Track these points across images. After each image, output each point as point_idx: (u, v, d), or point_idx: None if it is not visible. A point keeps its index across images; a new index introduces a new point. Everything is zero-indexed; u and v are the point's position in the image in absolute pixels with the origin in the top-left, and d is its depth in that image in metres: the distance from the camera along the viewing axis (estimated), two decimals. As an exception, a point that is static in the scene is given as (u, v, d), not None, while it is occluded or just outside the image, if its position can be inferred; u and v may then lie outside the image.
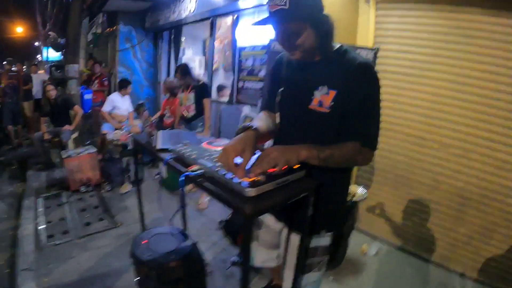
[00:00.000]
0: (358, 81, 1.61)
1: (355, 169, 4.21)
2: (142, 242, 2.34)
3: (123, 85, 6.94)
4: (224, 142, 2.00)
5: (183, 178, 1.60)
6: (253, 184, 1.41)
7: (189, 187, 5.07)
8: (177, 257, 2.19)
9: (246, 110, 5.57)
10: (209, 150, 1.86)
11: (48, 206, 5.17)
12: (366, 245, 4.05)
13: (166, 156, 1.90)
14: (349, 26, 4.11)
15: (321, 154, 1.57)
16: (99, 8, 9.42)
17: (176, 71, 5.53)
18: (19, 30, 34.66)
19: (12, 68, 9.89)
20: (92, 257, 3.85)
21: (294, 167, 1.59)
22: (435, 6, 3.65)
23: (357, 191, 3.34)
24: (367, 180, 4.35)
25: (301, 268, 1.93)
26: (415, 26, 3.83)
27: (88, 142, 7.48)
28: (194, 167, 1.65)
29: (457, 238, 3.71)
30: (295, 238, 1.90)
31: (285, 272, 2.07)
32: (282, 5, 1.49)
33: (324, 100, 1.67)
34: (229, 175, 1.47)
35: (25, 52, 36.32)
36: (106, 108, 6.77)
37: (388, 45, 4.03)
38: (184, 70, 5.37)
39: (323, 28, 1.63)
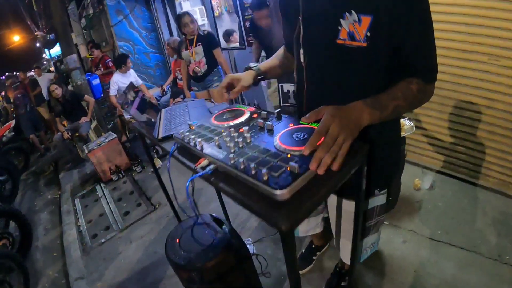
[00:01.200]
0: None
1: None
2: (176, 242, 1.99)
3: (121, 61, 6.44)
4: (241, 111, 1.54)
5: (188, 185, 1.19)
6: (284, 180, 0.95)
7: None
8: (215, 253, 1.83)
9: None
10: (219, 128, 1.41)
11: (86, 205, 5.18)
12: (418, 179, 3.65)
13: (171, 146, 1.46)
14: None
15: (384, 112, 1.17)
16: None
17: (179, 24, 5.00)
18: (16, 38, 34.86)
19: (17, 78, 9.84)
20: (139, 248, 3.84)
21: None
22: None
23: (405, 124, 3.00)
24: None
25: (359, 235, 1.64)
26: None
27: (109, 126, 7.27)
28: (203, 162, 1.21)
29: (516, 162, 3.28)
30: (349, 205, 1.64)
31: (341, 241, 1.91)
32: None
33: (356, 30, 1.19)
34: (251, 171, 1.00)
35: (30, 57, 36.65)
36: (112, 92, 6.33)
37: None
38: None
39: None
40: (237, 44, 6.16)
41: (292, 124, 1.27)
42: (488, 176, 3.51)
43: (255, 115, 1.47)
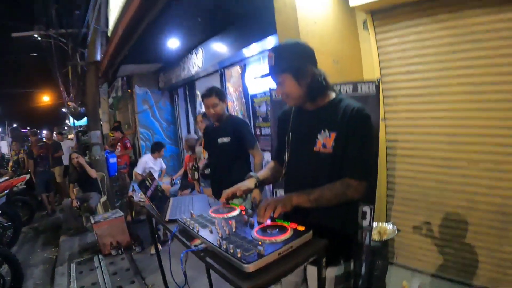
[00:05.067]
0: (350, 124, 1.90)
1: (383, 205, 4.07)
2: None
3: (156, 148, 7.21)
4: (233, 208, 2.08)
5: (183, 255, 1.66)
6: (250, 258, 1.43)
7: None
8: None
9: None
10: (215, 218, 1.93)
11: (80, 271, 5.32)
12: (406, 281, 3.74)
13: (173, 228, 1.98)
14: (353, 58, 4.10)
15: (311, 196, 1.84)
16: (113, 75, 9.85)
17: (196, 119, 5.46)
18: (46, 99, 36.44)
19: (42, 137, 10.33)
20: None
21: (299, 229, 1.66)
22: (433, 17, 3.50)
23: (387, 229, 3.33)
24: (399, 213, 4.10)
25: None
26: (418, 43, 3.66)
27: (117, 204, 7.65)
28: (197, 241, 1.71)
29: (504, 257, 3.39)
30: (312, 270, 1.94)
31: None
32: (271, 63, 1.97)
33: (326, 142, 1.96)
34: (229, 250, 1.50)
35: (53, 119, 37.96)
36: (138, 169, 7.03)
37: (395, 68, 3.89)
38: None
39: (305, 79, 1.96)
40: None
41: (268, 222, 1.79)
42: (477, 274, 3.57)
43: (243, 212, 1.99)
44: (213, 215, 1.99)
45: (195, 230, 1.78)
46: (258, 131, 6.31)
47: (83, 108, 10.89)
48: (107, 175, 8.03)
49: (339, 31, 3.92)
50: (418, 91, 3.70)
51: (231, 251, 1.49)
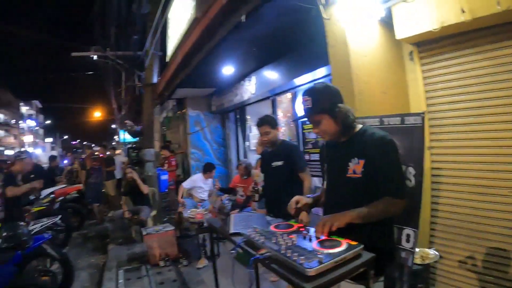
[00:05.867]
0: (378, 150, 2.20)
1: (427, 230, 4.09)
2: None
3: (207, 169, 7.54)
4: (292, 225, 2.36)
5: (252, 261, 1.96)
6: (312, 264, 1.70)
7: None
8: None
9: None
10: (276, 233, 2.19)
11: (128, 278, 5.63)
12: None
13: (238, 240, 2.26)
14: (400, 88, 4.21)
15: (361, 214, 2.11)
16: (168, 97, 10.36)
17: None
18: (97, 114, 38.14)
19: (95, 152, 10.91)
20: None
21: (352, 243, 1.92)
22: (475, 49, 3.58)
23: (429, 253, 3.44)
24: (442, 239, 4.06)
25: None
26: (461, 73, 3.74)
27: (165, 219, 7.99)
28: (262, 251, 1.98)
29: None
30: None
31: None
32: (308, 105, 2.29)
33: (356, 168, 2.26)
34: (293, 257, 1.78)
35: (102, 134, 39.61)
36: (186, 185, 7.44)
37: (440, 98, 3.97)
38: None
39: (340, 116, 2.27)
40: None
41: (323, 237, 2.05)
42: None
43: (301, 229, 2.26)
44: (275, 230, 2.28)
45: (261, 241, 2.07)
46: (307, 157, 6.46)
47: (139, 126, 11.43)
48: (158, 191, 8.45)
49: (386, 62, 4.12)
50: (461, 121, 3.78)
51: (295, 258, 1.77)
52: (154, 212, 7.54)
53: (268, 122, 4.12)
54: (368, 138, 2.28)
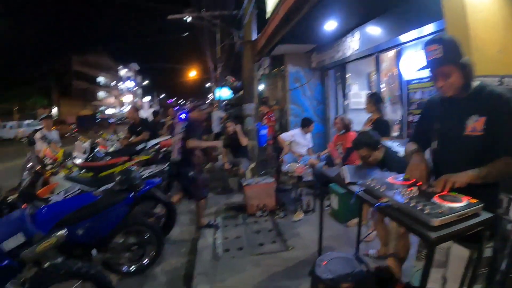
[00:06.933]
0: (500, 108, 2.11)
1: None
2: (322, 263, 2.72)
3: (305, 123, 7.60)
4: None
5: (376, 207, 1.96)
6: (436, 215, 1.69)
7: (354, 222, 5.25)
8: (352, 280, 2.53)
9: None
10: (395, 184, 2.17)
11: (226, 225, 5.93)
12: None
13: (355, 188, 2.27)
14: None
15: (481, 173, 2.06)
16: (268, 53, 10.39)
17: (367, 101, 5.54)
18: (193, 74, 39.83)
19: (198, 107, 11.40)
20: (264, 274, 4.24)
21: (472, 201, 1.87)
22: None
23: None
24: None
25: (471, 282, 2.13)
26: None
27: (262, 172, 8.21)
28: (384, 199, 1.98)
29: None
30: (463, 252, 2.12)
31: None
32: (437, 54, 2.14)
33: (477, 125, 2.17)
34: (418, 207, 1.77)
35: (197, 92, 41.39)
36: (284, 137, 7.58)
37: None
38: (377, 99, 5.46)
39: (467, 70, 2.18)
40: (397, 134, 6.69)
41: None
42: None
43: (418, 183, 2.18)
44: (393, 182, 2.24)
45: (381, 191, 2.06)
46: (411, 118, 6.30)
47: (240, 83, 11.70)
48: (257, 145, 8.68)
49: (504, 20, 3.75)
50: None
51: (420, 208, 1.76)
52: (252, 165, 7.77)
53: (365, 144, 3.61)
54: (487, 95, 2.18)
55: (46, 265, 3.02)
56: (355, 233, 4.01)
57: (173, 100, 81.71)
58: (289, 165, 6.65)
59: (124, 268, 4.47)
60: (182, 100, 72.24)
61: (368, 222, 4.86)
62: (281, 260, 4.57)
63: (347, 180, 2.55)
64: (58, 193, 5.14)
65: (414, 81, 6.26)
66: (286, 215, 6.13)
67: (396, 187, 2.12)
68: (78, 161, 7.27)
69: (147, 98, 76.34)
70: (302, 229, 5.52)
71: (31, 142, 8.53)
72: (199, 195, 5.75)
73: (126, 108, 59.55)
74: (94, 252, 4.11)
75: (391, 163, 3.55)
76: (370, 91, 7.87)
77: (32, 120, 31.33)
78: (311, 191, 6.54)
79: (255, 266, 4.45)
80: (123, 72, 69.71)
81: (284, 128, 10.45)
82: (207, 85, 40.57)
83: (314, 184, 6.46)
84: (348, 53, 7.88)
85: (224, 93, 17.37)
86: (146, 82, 78.45)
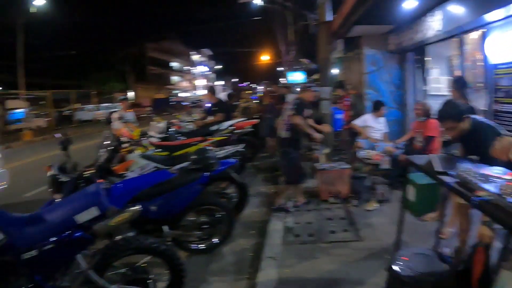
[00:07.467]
0: None
1: None
2: (402, 258, 2.55)
3: (376, 107, 7.35)
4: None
5: (476, 201, 1.78)
6: None
7: (430, 216, 4.97)
8: (435, 279, 2.34)
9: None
10: (492, 177, 1.98)
11: (297, 210, 5.90)
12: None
13: (447, 179, 2.10)
14: None
15: None
16: (343, 35, 10.08)
17: (452, 85, 5.28)
18: (265, 58, 40.68)
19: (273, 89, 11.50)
20: (333, 263, 4.20)
21: None
22: None
23: None
24: None
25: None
26: None
27: (335, 158, 8.08)
28: (481, 193, 1.81)
29: None
30: None
31: None
32: None
33: None
34: None
35: (269, 76, 42.19)
36: (357, 122, 7.40)
37: None
38: (462, 84, 5.20)
39: None
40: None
41: None
42: None
43: None
44: (489, 173, 2.05)
45: (476, 183, 1.89)
46: (497, 107, 5.85)
47: (315, 65, 11.52)
48: (332, 129, 8.47)
49: None
50: None
51: None
52: (327, 150, 7.62)
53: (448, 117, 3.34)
54: None
55: (117, 238, 3.17)
56: (429, 227, 3.83)
57: (246, 84, 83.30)
58: (366, 151, 6.46)
59: (194, 246, 4.64)
60: (253, 83, 73.79)
61: (445, 217, 4.57)
62: (352, 250, 4.51)
63: (437, 169, 2.35)
64: (133, 170, 5.34)
65: (502, 66, 5.76)
66: (360, 204, 6.01)
67: (494, 180, 1.93)
68: (154, 140, 7.51)
69: (220, 82, 78.21)
70: (376, 220, 5.39)
71: (109, 122, 9.06)
72: (293, 179, 5.88)
73: (199, 92, 62.00)
74: (165, 228, 4.24)
75: (479, 134, 3.19)
76: (454, 76, 7.40)
77: (109, 104, 33.45)
78: (385, 180, 6.30)
79: (324, 254, 4.42)
80: (196, 57, 71.88)
81: (360, 114, 10.15)
82: (279, 68, 40.89)
83: (390, 173, 6.20)
84: (429, 34, 7.42)
85: (297, 77, 17.22)
86: (219, 66, 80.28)
